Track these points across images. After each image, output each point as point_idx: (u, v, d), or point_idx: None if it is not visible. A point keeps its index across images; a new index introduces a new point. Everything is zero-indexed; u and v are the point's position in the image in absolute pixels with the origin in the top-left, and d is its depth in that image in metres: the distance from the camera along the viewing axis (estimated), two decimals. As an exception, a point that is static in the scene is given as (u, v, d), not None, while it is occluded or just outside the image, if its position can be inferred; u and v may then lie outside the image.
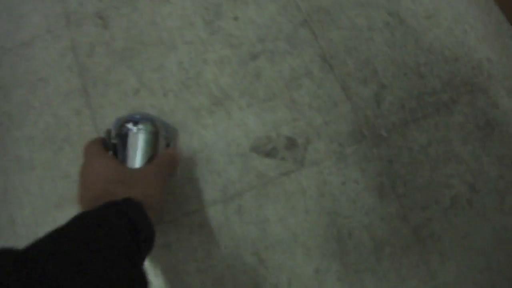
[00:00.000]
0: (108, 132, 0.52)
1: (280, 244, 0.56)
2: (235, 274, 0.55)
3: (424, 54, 0.62)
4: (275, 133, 0.59)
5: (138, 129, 0.50)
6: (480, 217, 0.57)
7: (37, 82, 0.65)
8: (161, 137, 0.53)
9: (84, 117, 0.62)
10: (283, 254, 0.55)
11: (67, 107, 0.63)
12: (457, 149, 0.59)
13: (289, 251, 0.55)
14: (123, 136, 0.50)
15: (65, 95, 0.64)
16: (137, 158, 0.50)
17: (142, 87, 0.63)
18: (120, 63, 0.64)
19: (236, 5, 0.65)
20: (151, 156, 0.50)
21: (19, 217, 0.59)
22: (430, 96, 0.61)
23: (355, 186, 0.57)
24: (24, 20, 0.68)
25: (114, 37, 0.65)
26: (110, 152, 0.50)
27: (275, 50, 0.62)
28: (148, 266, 0.55)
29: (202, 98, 0.61)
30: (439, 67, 0.62)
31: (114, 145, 0.51)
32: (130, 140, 0.50)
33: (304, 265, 0.55)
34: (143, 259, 0.39)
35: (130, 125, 0.50)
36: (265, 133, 0.59)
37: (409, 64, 0.62)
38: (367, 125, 0.59)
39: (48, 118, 0.63)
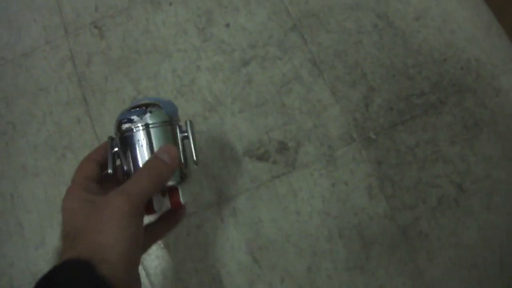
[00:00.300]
0: (111, 140, 0.40)
1: (273, 244, 0.59)
2: (231, 273, 0.58)
3: (412, 55, 0.64)
4: (267, 137, 0.62)
5: (146, 124, 0.38)
6: (467, 216, 0.59)
7: (38, 91, 0.68)
8: (176, 125, 0.41)
9: (85, 125, 0.66)
10: (276, 253, 0.59)
11: (68, 115, 0.66)
12: (445, 149, 0.61)
13: (282, 250, 0.59)
14: (127, 139, 0.39)
15: (66, 104, 0.67)
16: None
17: (138, 95, 0.66)
18: (117, 72, 0.67)
19: (228, 12, 0.67)
20: None
21: (26, 221, 0.63)
22: (418, 97, 0.63)
23: (345, 187, 0.60)
24: (23, 31, 0.71)
25: (111, 46, 0.68)
26: (110, 171, 0.40)
27: (266, 56, 0.65)
28: (148, 266, 0.59)
29: (196, 104, 0.64)
30: (427, 68, 0.64)
31: (115, 155, 0.40)
32: (138, 142, 0.38)
33: (296, 264, 0.58)
34: None
35: (134, 117, 0.38)
36: (257, 138, 0.62)
37: (397, 66, 0.64)
38: (356, 128, 0.61)
39: (50, 127, 0.66)
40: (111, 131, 0.65)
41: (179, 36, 0.67)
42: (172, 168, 0.38)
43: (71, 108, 0.67)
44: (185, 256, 0.59)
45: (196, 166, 0.43)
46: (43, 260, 0.61)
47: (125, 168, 0.40)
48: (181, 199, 0.42)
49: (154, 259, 0.60)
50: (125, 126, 0.39)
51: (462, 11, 0.67)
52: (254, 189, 0.61)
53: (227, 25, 0.67)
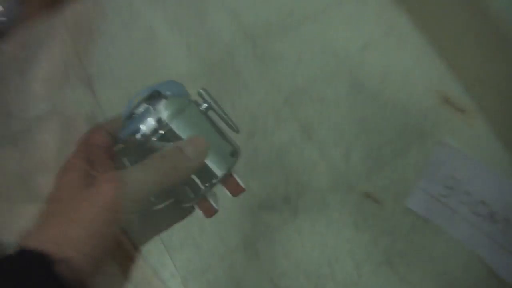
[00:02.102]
0: (120, 151, 0.36)
1: (286, 273, 0.86)
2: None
3: (380, 111, 0.89)
4: (273, 192, 0.89)
5: (161, 123, 0.34)
6: (435, 233, 0.84)
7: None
8: (192, 102, 0.37)
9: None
10: (289, 279, 0.86)
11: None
12: (412, 183, 0.86)
13: (294, 277, 0.86)
14: (143, 150, 0.34)
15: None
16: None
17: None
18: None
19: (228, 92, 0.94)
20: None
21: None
22: (389, 145, 0.87)
23: (337, 225, 0.86)
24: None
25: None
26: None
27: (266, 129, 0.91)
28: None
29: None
30: (393, 120, 0.88)
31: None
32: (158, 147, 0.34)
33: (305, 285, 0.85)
34: None
35: (143, 123, 0.34)
36: (266, 194, 0.89)
37: (369, 122, 0.88)
38: (341, 179, 0.87)
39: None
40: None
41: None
42: (194, 165, 0.35)
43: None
44: None
45: (237, 133, 0.40)
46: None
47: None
48: (241, 183, 0.39)
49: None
50: (137, 137, 0.34)
51: (420, 67, 0.90)
52: (268, 233, 0.88)
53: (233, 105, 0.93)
